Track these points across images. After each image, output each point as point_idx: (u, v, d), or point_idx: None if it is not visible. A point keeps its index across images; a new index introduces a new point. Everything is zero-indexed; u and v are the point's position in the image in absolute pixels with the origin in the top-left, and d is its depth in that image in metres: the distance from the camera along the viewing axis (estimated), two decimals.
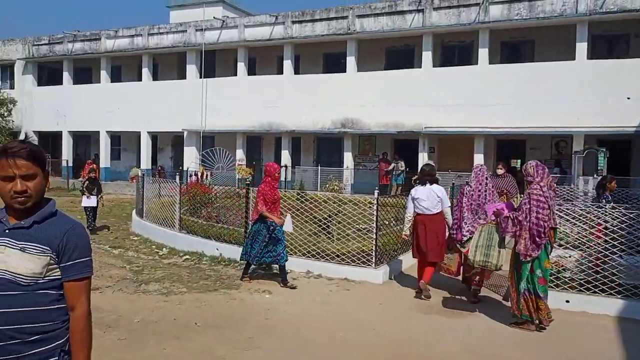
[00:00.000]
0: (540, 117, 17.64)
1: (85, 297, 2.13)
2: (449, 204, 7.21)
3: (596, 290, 6.35)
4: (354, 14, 20.86)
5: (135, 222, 12.53)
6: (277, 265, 7.59)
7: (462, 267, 6.99)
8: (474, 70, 19.25)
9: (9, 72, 29.44)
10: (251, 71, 24.04)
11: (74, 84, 27.79)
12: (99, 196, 12.05)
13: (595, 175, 15.37)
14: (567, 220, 6.76)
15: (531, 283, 5.62)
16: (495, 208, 6.21)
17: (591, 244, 6.78)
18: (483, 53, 18.98)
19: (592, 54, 18.02)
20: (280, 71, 23.09)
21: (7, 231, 2.04)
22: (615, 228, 6.45)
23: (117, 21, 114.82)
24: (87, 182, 12.12)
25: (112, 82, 26.91)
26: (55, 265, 2.06)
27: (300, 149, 23.65)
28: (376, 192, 8.13)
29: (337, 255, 8.08)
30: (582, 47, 17.54)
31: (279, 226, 7.25)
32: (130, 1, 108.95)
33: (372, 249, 7.88)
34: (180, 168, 21.01)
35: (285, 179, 21.01)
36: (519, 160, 19.38)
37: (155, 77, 26.24)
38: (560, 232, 6.46)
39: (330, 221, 8.89)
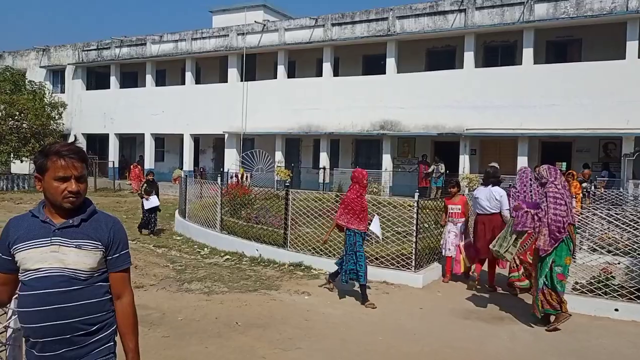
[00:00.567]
0: (588, 119, 17.04)
1: (129, 285, 2.31)
2: (508, 207, 7.22)
3: None
4: (394, 15, 20.74)
5: (177, 222, 12.83)
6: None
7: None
8: (518, 70, 18.79)
9: (60, 77, 30.73)
10: (291, 74, 24.21)
11: (120, 87, 28.72)
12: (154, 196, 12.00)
13: None
14: (617, 226, 6.51)
15: (549, 279, 5.75)
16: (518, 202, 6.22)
17: None
18: (528, 53, 18.48)
19: None
20: (319, 73, 23.17)
21: (56, 230, 2.12)
22: None
23: (162, 26, 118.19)
24: (145, 185, 12.41)
25: (156, 85, 27.69)
26: (104, 259, 2.20)
27: (338, 151, 23.67)
28: (416, 194, 8.08)
29: (376, 258, 8.04)
30: (632, 46, 16.86)
31: (361, 238, 6.79)
32: (175, 7, 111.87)
33: (411, 252, 7.81)
34: (221, 170, 21.37)
35: (324, 180, 21.08)
36: (564, 163, 18.81)
37: (197, 81, 26.80)
38: (609, 238, 6.23)
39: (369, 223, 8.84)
